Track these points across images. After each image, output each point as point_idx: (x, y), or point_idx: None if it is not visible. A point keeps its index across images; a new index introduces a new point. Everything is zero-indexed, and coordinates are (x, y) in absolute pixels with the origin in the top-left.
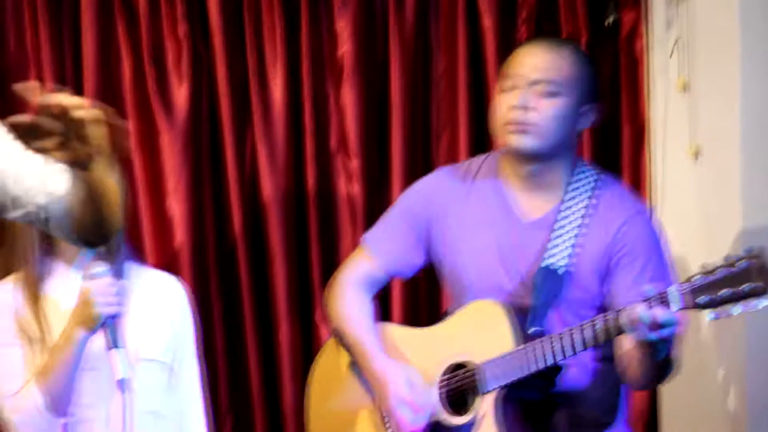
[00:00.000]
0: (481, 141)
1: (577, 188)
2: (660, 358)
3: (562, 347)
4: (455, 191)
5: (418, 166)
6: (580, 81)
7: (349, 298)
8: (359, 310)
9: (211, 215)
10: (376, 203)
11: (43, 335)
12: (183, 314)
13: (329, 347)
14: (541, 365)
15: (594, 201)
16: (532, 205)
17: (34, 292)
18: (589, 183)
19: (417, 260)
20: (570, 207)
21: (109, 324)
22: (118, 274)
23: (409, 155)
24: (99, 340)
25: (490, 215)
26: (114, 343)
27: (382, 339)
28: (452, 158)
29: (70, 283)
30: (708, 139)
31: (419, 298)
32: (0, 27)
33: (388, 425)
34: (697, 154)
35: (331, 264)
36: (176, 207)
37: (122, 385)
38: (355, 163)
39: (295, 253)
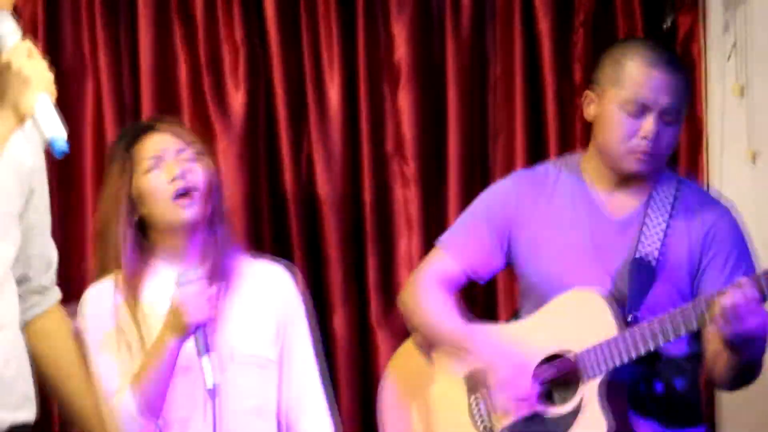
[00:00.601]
0: (537, 144)
1: (662, 186)
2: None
3: (673, 327)
4: (536, 193)
5: (475, 171)
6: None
7: (431, 296)
8: (444, 304)
9: (268, 219)
10: (432, 207)
11: (142, 339)
12: (290, 305)
13: (403, 353)
14: (652, 346)
15: (680, 197)
16: (619, 203)
17: (134, 294)
18: (672, 182)
19: (496, 263)
20: (657, 203)
21: (199, 331)
22: (215, 276)
23: (465, 159)
24: (192, 343)
25: (576, 215)
26: (205, 350)
27: None
28: (508, 162)
29: (168, 284)
30: (765, 142)
31: (475, 300)
32: (57, 32)
33: (478, 421)
34: (754, 158)
35: (387, 268)
36: (233, 210)
37: (212, 393)
38: (411, 167)
39: (351, 257)
